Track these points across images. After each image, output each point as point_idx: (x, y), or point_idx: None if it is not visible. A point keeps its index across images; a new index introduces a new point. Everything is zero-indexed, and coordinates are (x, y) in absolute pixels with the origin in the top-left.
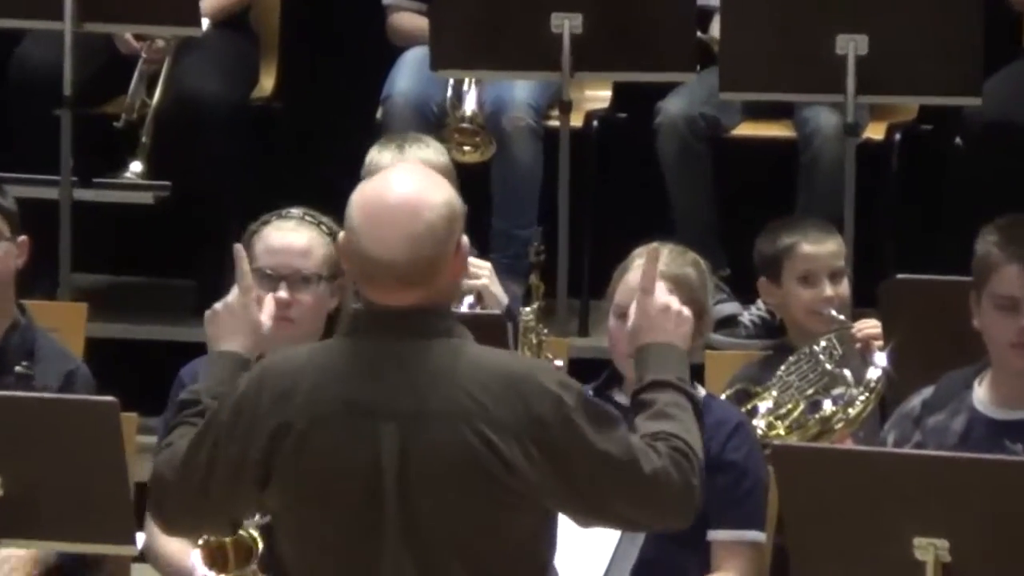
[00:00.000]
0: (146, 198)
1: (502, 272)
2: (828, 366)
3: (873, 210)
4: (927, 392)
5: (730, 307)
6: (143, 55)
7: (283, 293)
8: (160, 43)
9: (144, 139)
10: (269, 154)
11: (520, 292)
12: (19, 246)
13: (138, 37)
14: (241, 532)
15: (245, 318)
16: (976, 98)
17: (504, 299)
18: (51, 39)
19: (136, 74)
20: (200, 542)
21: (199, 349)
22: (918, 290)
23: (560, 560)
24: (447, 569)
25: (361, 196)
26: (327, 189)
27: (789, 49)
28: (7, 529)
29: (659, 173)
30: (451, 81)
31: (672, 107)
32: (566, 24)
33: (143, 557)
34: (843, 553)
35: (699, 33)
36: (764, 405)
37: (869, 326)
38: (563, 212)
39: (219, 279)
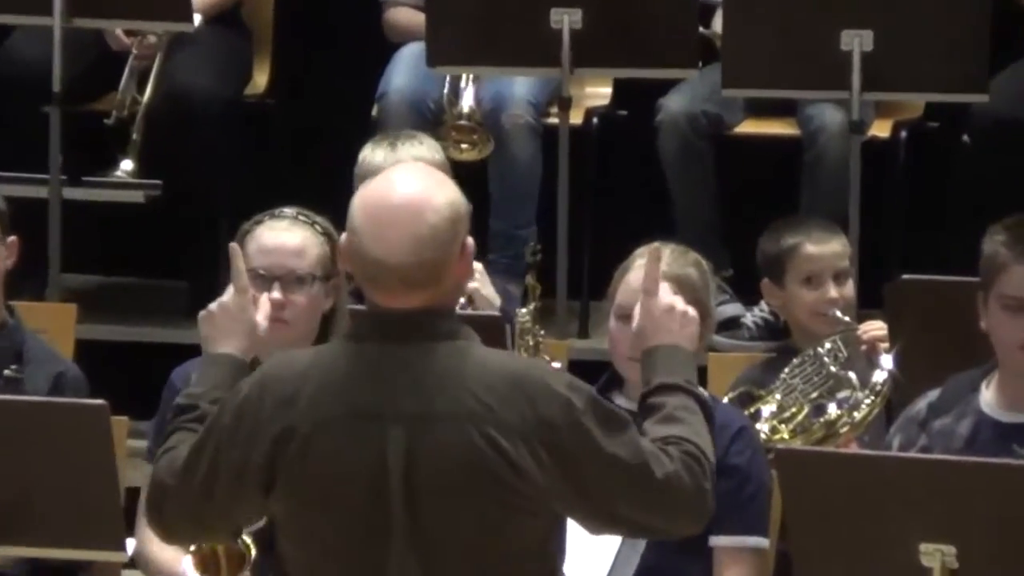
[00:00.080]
0: (137, 197)
1: (500, 272)
2: (833, 369)
3: (878, 209)
4: (933, 395)
5: (733, 308)
6: (134, 51)
7: (277, 294)
8: (151, 39)
9: (135, 137)
10: (262, 152)
11: (519, 293)
12: (8, 247)
13: (129, 33)
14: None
15: (241, 319)
16: (983, 95)
17: (496, 301)
18: (40, 35)
19: (127, 70)
20: (192, 548)
21: (191, 351)
22: (924, 291)
23: None
24: (454, 573)
25: (364, 197)
26: (321, 188)
27: (793, 45)
28: None
29: (660, 171)
30: (448, 78)
31: (674, 104)
32: (565, 19)
33: (133, 563)
34: (848, 560)
35: (701, 28)
36: (768, 408)
37: (874, 328)
38: (562, 211)
39: (211, 279)
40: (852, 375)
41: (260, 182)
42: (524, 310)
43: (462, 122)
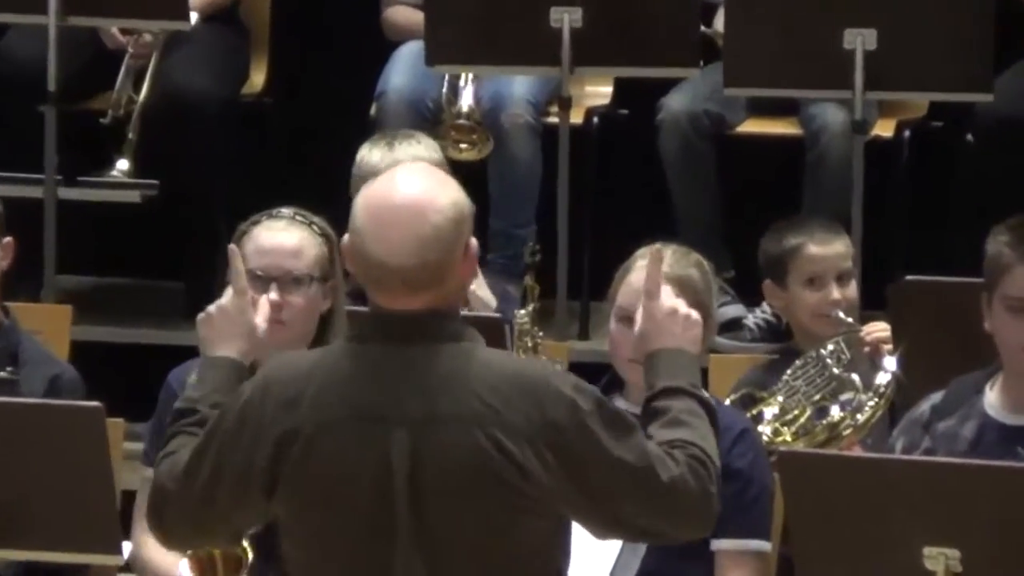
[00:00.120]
0: (133, 197)
1: (498, 273)
2: (836, 370)
3: (882, 210)
4: (937, 397)
5: (734, 310)
6: (130, 49)
7: (274, 295)
8: (147, 37)
9: (131, 136)
10: (260, 152)
11: (518, 294)
12: (3, 247)
13: (124, 31)
14: None
15: (241, 321)
16: (988, 94)
17: (492, 302)
18: (35, 33)
19: (123, 69)
20: (188, 552)
21: (187, 353)
22: (928, 292)
23: None
24: (459, 574)
25: (366, 197)
26: (319, 188)
27: (795, 44)
28: None
29: (661, 171)
30: (447, 77)
31: (675, 103)
32: (566, 18)
33: (129, 567)
34: (851, 564)
35: (703, 27)
36: (770, 411)
37: (878, 329)
38: (562, 212)
39: (208, 280)
40: (855, 377)
41: (257, 182)
42: (522, 311)
43: (461, 122)
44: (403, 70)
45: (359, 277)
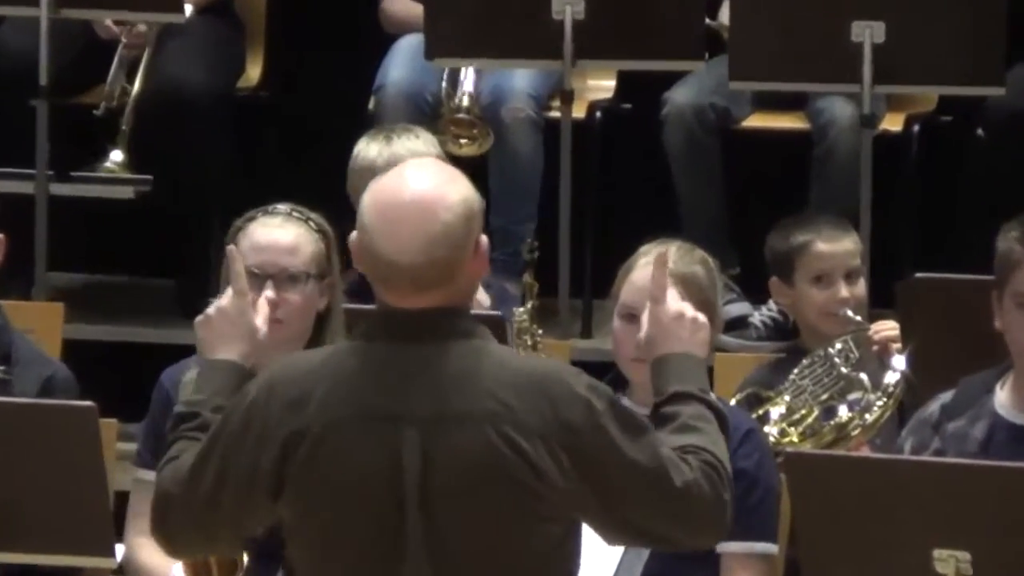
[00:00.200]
0: (126, 192)
1: (498, 271)
2: (844, 370)
3: (890, 206)
4: (947, 396)
5: (740, 307)
6: (123, 40)
7: (270, 292)
8: (141, 27)
9: (124, 127)
10: (255, 147)
11: (518, 292)
12: None
13: (118, 22)
14: None
15: (241, 323)
16: (999, 88)
17: (486, 301)
18: (26, 26)
19: (116, 60)
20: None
21: (181, 352)
22: (938, 289)
23: None
24: None
25: (375, 194)
26: (316, 184)
27: (802, 36)
28: None
29: (665, 166)
30: (447, 70)
31: (679, 97)
32: (568, 10)
33: (122, 570)
34: (859, 566)
35: (708, 19)
36: (776, 411)
37: (886, 328)
38: (564, 207)
39: (202, 278)
40: (864, 376)
41: (253, 178)
42: (521, 309)
43: (461, 116)
44: (402, 63)
45: (368, 275)
